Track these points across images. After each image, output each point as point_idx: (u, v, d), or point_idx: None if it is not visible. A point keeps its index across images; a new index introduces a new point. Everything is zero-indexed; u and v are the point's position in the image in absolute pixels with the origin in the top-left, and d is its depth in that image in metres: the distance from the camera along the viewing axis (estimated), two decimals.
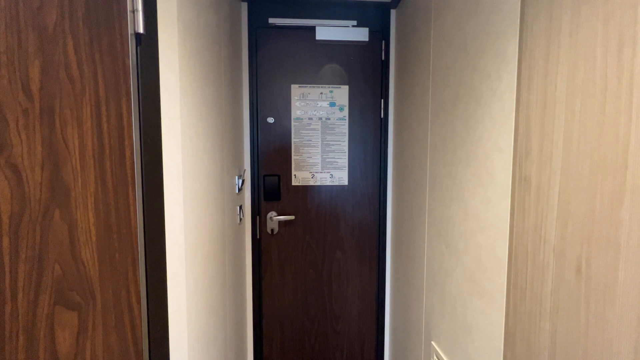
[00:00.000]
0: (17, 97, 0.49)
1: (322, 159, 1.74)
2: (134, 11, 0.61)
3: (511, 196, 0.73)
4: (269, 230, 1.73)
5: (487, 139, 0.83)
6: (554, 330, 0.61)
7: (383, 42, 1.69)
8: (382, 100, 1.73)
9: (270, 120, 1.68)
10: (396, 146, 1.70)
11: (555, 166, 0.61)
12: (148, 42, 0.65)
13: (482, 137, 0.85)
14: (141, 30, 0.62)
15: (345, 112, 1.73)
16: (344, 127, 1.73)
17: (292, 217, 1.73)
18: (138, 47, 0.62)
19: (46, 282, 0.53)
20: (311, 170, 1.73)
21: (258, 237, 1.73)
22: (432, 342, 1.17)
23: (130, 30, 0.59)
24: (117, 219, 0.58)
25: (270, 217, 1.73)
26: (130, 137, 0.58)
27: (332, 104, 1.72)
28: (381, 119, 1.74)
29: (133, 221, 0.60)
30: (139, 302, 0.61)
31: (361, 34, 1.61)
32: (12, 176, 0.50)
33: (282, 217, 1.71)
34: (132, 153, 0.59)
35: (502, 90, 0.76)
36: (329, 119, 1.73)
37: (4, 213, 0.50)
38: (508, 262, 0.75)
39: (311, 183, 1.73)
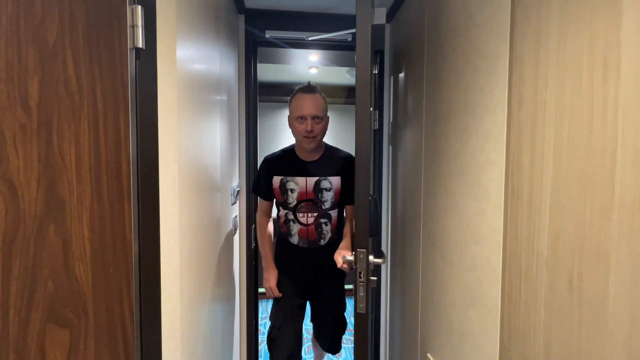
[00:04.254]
0: (15, 113, 0.49)
1: None
2: (133, 26, 0.62)
3: (504, 209, 0.75)
4: None
5: (480, 152, 0.84)
6: (547, 343, 0.62)
7: (377, 55, 1.72)
8: (377, 111, 1.76)
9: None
10: (390, 157, 1.72)
11: (546, 181, 0.62)
12: (147, 56, 0.66)
13: (476, 150, 0.86)
14: (140, 44, 0.63)
15: None
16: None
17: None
18: (137, 62, 0.63)
19: (38, 299, 0.52)
20: None
21: (253, 247, 1.69)
22: (428, 354, 1.17)
23: (129, 45, 0.60)
24: (112, 233, 0.58)
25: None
26: (127, 151, 0.58)
27: None
28: (374, 130, 1.77)
29: (128, 235, 0.59)
30: (132, 317, 0.60)
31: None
32: (7, 191, 0.50)
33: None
34: (128, 166, 0.59)
35: (494, 105, 0.78)
36: None
37: None
38: (502, 274, 0.76)
39: None
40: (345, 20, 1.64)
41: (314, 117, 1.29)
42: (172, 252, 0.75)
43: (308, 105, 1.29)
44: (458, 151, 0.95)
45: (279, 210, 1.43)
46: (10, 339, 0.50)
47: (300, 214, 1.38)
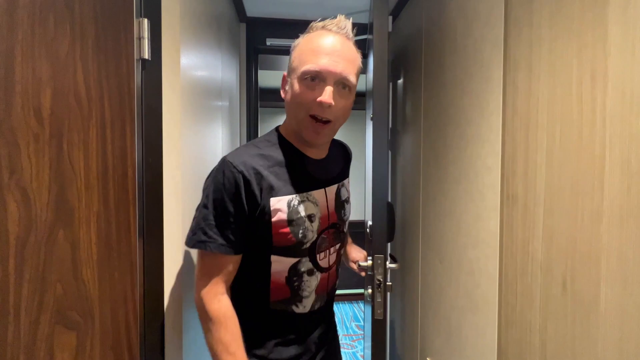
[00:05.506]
0: (29, 123, 0.52)
1: None
2: (140, 38, 0.64)
3: (500, 213, 0.76)
4: None
5: (477, 158, 0.86)
6: (543, 345, 0.63)
7: None
8: None
9: None
10: (389, 162, 1.74)
11: (539, 186, 0.64)
12: (152, 67, 0.68)
13: (472, 156, 0.88)
14: (146, 55, 0.65)
15: None
16: None
17: None
18: (143, 72, 0.65)
19: (48, 302, 0.54)
20: None
21: None
22: (428, 359, 1.17)
23: (136, 56, 0.62)
24: (117, 238, 0.59)
25: None
26: (133, 158, 0.60)
27: None
28: None
29: (133, 239, 0.61)
30: (136, 321, 0.61)
31: None
32: (20, 199, 0.52)
33: None
34: (134, 173, 0.61)
35: (490, 112, 0.80)
36: None
37: (11, 234, 0.52)
38: (499, 277, 0.77)
39: None
40: None
41: (340, 83, 0.67)
42: (175, 257, 0.77)
43: (336, 55, 0.66)
44: (456, 157, 0.97)
45: (269, 266, 0.70)
46: (21, 340, 0.52)
47: (321, 255, 0.75)
